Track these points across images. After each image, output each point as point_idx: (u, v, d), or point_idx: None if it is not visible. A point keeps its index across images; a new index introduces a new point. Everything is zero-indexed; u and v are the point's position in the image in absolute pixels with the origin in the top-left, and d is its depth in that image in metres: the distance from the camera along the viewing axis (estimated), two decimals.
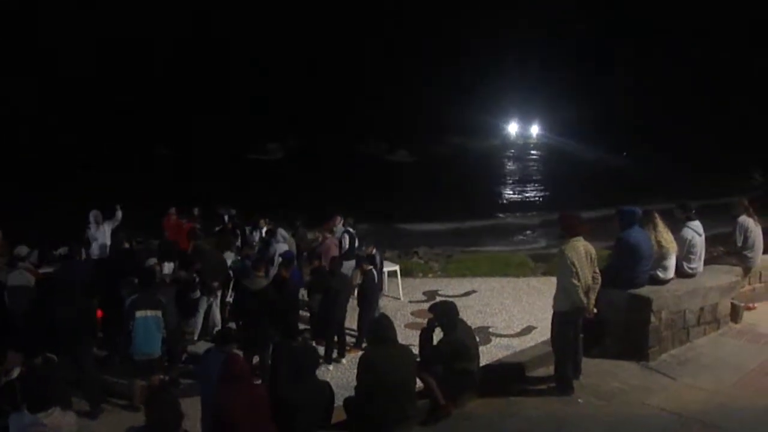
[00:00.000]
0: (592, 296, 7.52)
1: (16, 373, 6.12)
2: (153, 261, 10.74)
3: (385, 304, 13.06)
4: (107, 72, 55.69)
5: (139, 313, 8.72)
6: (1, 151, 37.96)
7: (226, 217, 16.43)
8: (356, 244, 13.98)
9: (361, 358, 6.97)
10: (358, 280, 11.85)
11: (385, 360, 6.64)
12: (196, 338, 11.47)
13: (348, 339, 11.40)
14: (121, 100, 52.82)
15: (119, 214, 13.87)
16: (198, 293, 11.17)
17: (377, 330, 6.99)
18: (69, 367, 8.10)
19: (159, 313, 8.91)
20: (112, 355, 10.77)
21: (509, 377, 8.28)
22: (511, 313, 13.22)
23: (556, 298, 7.70)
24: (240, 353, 7.52)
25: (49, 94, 51.00)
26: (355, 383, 7.11)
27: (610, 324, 8.57)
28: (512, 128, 67.31)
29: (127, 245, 12.69)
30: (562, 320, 7.67)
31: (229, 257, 12.34)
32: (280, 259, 11.93)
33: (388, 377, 6.55)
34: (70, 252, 12.00)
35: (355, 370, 9.50)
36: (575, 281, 7.30)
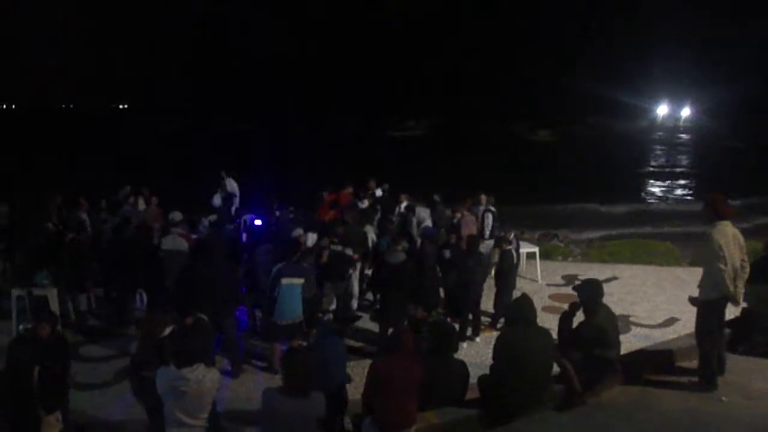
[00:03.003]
0: (740, 284, 7.14)
1: (167, 330, 6.44)
2: (299, 231, 11.03)
3: (522, 286, 12.87)
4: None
5: (284, 281, 9.01)
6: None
7: (379, 191, 16.58)
8: (497, 223, 13.86)
9: (498, 338, 6.92)
10: (495, 258, 11.74)
11: (523, 341, 6.56)
12: (332, 307, 11.73)
13: (483, 318, 11.34)
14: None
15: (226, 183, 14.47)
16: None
17: (517, 310, 6.90)
18: (213, 328, 8.48)
19: (302, 281, 9.21)
20: (253, 319, 11.27)
21: (649, 368, 8.03)
22: (654, 302, 12.74)
23: (701, 286, 7.35)
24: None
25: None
26: (488, 362, 7.09)
27: (758, 320, 8.12)
28: (661, 110, 64.55)
29: (277, 214, 13.17)
30: (707, 309, 7.33)
31: (369, 231, 12.50)
32: (420, 233, 12.00)
33: (525, 359, 6.48)
34: (219, 219, 12.55)
35: (489, 350, 9.48)
36: (722, 266, 6.93)
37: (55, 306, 10.81)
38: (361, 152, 57.90)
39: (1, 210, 13.38)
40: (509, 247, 11.44)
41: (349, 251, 11.31)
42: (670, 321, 11.55)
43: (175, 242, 10.87)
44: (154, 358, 5.89)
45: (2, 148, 61.86)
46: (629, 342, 9.83)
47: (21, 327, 10.23)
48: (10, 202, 14.09)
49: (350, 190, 16.14)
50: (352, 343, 10.37)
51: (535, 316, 6.87)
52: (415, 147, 70.93)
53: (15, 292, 11.00)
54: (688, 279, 13.70)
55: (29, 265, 11.49)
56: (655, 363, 8.13)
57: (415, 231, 13.23)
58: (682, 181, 44.16)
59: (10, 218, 13.27)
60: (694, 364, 7.73)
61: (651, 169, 50.18)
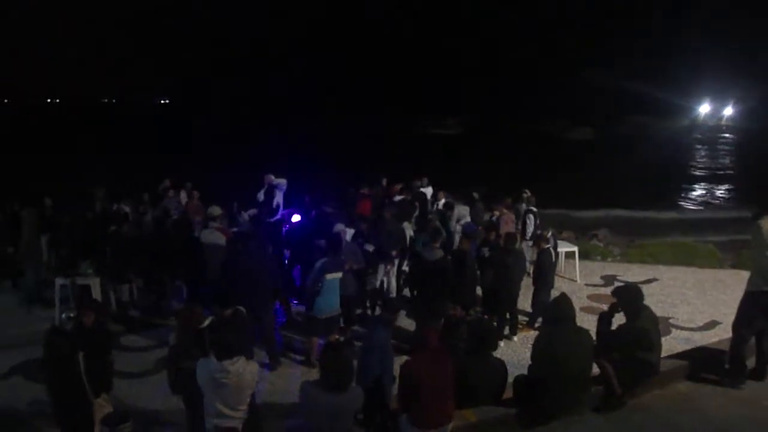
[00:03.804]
0: None
1: (207, 322, 6.50)
2: (341, 227, 11.07)
3: (560, 286, 12.76)
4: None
5: (328, 276, 9.07)
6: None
7: (419, 184, 16.57)
8: (537, 223, 13.80)
9: (537, 337, 6.88)
10: (533, 257, 11.66)
11: (563, 341, 6.51)
12: (369, 303, 11.76)
13: (520, 317, 11.27)
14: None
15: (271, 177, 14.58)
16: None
17: (556, 309, 6.85)
18: (252, 321, 8.55)
19: (340, 274, 9.28)
20: (290, 312, 11.36)
21: (689, 372, 7.93)
22: (694, 305, 12.56)
23: (750, 278, 7.27)
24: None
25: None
26: (525, 362, 7.06)
27: None
28: (703, 109, 63.59)
29: (318, 211, 13.24)
30: (750, 300, 7.23)
31: (407, 227, 12.49)
32: (459, 231, 11.96)
33: (564, 358, 6.44)
34: (259, 214, 12.64)
35: (526, 349, 9.43)
36: None
37: (97, 295, 11.01)
38: (398, 149, 57.95)
39: (45, 202, 13.60)
40: (547, 245, 11.36)
41: (369, 247, 11.33)
42: (711, 324, 11.37)
43: (213, 236, 10.97)
44: (192, 349, 5.94)
45: (46, 141, 63.10)
46: (669, 345, 9.70)
47: (63, 315, 10.48)
48: (54, 194, 14.33)
49: (385, 186, 16.21)
50: None
51: (574, 315, 6.82)
52: (452, 144, 70.76)
53: (59, 281, 11.24)
54: (730, 282, 13.50)
55: (73, 255, 11.73)
56: (695, 366, 8.03)
57: (453, 228, 13.21)
58: (724, 186, 43.40)
59: (54, 210, 13.51)
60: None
61: (692, 171, 49.46)
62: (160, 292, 11.36)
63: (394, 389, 6.96)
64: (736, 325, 7.55)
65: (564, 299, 6.93)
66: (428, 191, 16.15)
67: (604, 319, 7.26)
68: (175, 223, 12.32)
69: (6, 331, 10.55)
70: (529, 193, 14.59)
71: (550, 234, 12.01)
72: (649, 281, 14.00)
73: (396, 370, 9.02)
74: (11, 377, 9.07)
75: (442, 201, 14.68)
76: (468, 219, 13.32)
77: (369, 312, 11.46)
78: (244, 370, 5.43)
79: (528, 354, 9.24)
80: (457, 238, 12.60)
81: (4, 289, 12.75)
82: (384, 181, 16.87)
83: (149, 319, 11.22)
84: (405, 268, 12.52)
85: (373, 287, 11.50)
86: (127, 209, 13.66)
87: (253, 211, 13.06)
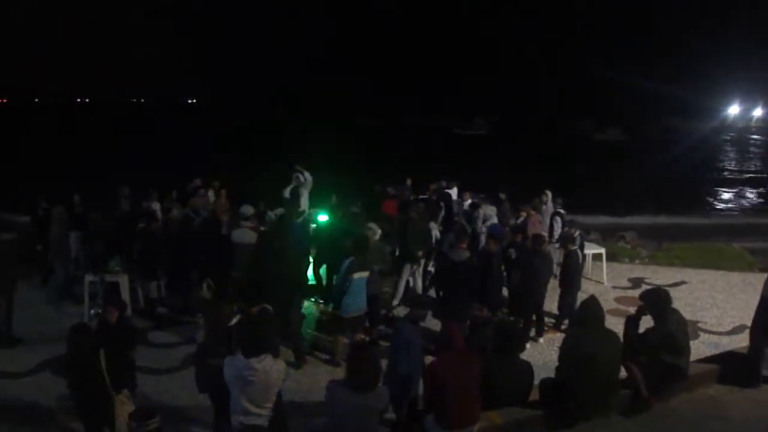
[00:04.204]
0: None
1: (235, 320, 6.55)
2: (371, 226, 11.08)
3: (587, 288, 12.68)
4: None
5: (355, 275, 9.09)
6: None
7: (443, 184, 16.56)
8: (566, 227, 13.71)
9: (565, 339, 6.84)
10: (559, 259, 11.60)
11: (591, 342, 6.46)
12: (396, 303, 11.77)
13: (546, 319, 11.22)
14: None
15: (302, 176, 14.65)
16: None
17: (586, 311, 6.79)
18: (279, 319, 8.58)
19: (368, 274, 9.29)
20: (317, 311, 11.42)
21: (718, 376, 7.85)
22: (723, 309, 12.42)
23: (765, 283, 7.22)
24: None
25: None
26: (551, 364, 7.01)
27: None
28: (732, 110, 62.99)
29: (355, 209, 13.31)
30: (765, 306, 7.17)
31: (434, 228, 12.49)
32: (485, 231, 11.95)
33: (592, 360, 6.38)
34: (287, 212, 12.69)
35: (552, 351, 9.38)
36: None
37: (125, 292, 11.14)
38: (426, 149, 57.94)
39: (74, 200, 13.74)
40: (574, 247, 11.28)
41: (383, 245, 11.34)
42: (740, 328, 11.24)
43: (245, 235, 11.02)
44: (221, 346, 5.99)
45: (73, 139, 63.88)
46: (698, 349, 9.62)
47: (92, 311, 10.60)
48: (82, 192, 14.47)
49: (410, 186, 16.25)
50: None
51: (603, 318, 6.76)
52: (479, 145, 70.61)
53: (88, 278, 11.38)
54: (760, 285, 13.31)
55: (102, 252, 11.86)
56: (724, 371, 7.94)
57: (479, 229, 13.17)
58: (755, 189, 42.85)
59: (83, 207, 13.65)
60: (764, 372, 7.54)
61: (721, 173, 48.92)
62: (187, 289, 11.43)
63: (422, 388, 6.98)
64: (752, 332, 7.50)
65: (593, 301, 6.86)
66: (453, 192, 16.12)
67: (632, 322, 7.20)
68: (204, 221, 12.42)
69: (36, 327, 10.68)
70: (550, 195, 14.47)
71: (577, 234, 11.93)
72: (677, 284, 13.88)
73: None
74: (40, 373, 9.20)
75: (468, 201, 14.66)
76: (495, 220, 13.26)
77: (393, 312, 11.46)
78: (271, 368, 5.46)
79: (554, 356, 9.21)
80: (482, 238, 12.57)
81: (35, 285, 12.90)
82: (408, 182, 16.90)
83: (176, 316, 11.32)
84: (431, 268, 12.51)
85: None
86: (155, 206, 13.76)
87: (280, 210, 13.11)
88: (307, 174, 14.76)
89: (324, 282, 11.98)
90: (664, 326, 6.95)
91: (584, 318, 6.72)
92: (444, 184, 16.57)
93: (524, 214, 13.74)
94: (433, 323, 10.77)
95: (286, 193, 14.46)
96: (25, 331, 10.41)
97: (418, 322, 7.52)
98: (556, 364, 6.89)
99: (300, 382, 8.93)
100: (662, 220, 28.59)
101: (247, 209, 11.73)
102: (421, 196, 15.68)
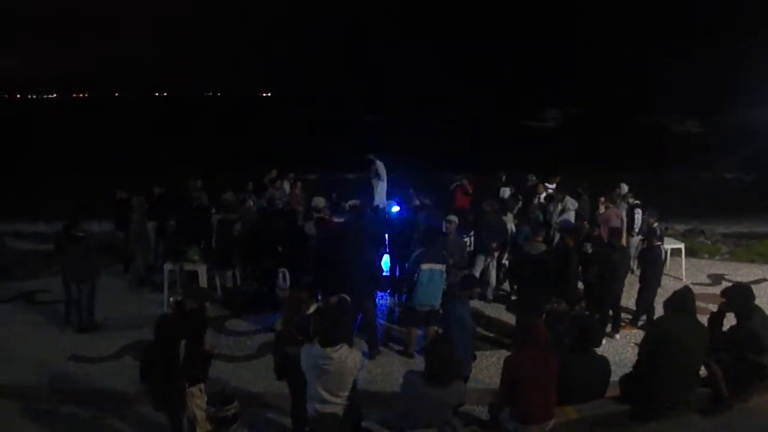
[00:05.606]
0: None
1: (312, 308, 6.60)
2: (453, 218, 11.03)
3: (666, 284, 12.32)
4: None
5: (424, 266, 9.02)
6: None
7: (532, 178, 16.36)
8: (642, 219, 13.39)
9: (655, 321, 6.73)
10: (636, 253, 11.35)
11: (681, 328, 6.33)
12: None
13: (623, 315, 10.98)
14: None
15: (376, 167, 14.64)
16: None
17: (681, 300, 6.63)
18: (355, 310, 8.62)
19: (443, 267, 9.17)
20: (393, 304, 11.44)
21: None
22: None
23: None
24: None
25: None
26: (626, 361, 6.89)
27: None
28: None
29: (417, 203, 13.30)
30: None
31: (509, 220, 12.37)
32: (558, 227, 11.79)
33: (677, 343, 6.25)
34: (361, 203, 12.75)
35: (628, 348, 9.22)
36: None
37: (203, 281, 11.37)
38: (499, 142, 57.47)
39: (154, 191, 14.03)
40: (659, 242, 10.99)
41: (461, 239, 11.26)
42: None
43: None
44: (298, 335, 6.03)
45: (147, 133, 65.56)
46: None
47: (171, 299, 10.84)
48: (162, 183, 14.80)
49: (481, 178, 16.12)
50: (486, 333, 10.37)
51: (695, 311, 6.62)
52: (550, 137, 69.69)
53: (167, 266, 11.65)
54: None
55: (181, 241, 12.12)
56: None
57: (554, 221, 12.99)
58: None
59: (162, 198, 13.93)
60: None
61: None
62: (263, 279, 11.58)
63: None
64: None
65: (689, 292, 6.75)
66: (506, 191, 15.74)
67: (715, 319, 7.01)
68: (280, 212, 12.58)
69: (117, 313, 11.03)
70: (626, 188, 14.14)
71: (655, 224, 11.66)
72: (758, 281, 13.39)
73: (490, 363, 9.02)
74: (121, 357, 9.48)
75: (543, 194, 14.46)
76: (572, 214, 13.01)
77: None
78: (347, 357, 5.50)
79: (630, 353, 9.04)
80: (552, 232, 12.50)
81: (116, 273, 13.28)
82: (532, 178, 16.47)
83: (253, 305, 11.48)
84: (505, 261, 12.42)
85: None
86: (231, 197, 13.98)
87: (354, 202, 13.17)
88: (380, 164, 14.77)
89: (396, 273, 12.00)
90: (746, 324, 6.76)
91: (679, 306, 6.56)
92: (529, 177, 16.28)
93: (602, 207, 13.50)
94: (507, 316, 10.70)
95: (371, 176, 14.50)
96: (106, 317, 10.76)
97: (467, 300, 7.53)
98: (632, 361, 6.76)
99: (372, 372, 8.96)
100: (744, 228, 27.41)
101: (319, 201, 11.83)
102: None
